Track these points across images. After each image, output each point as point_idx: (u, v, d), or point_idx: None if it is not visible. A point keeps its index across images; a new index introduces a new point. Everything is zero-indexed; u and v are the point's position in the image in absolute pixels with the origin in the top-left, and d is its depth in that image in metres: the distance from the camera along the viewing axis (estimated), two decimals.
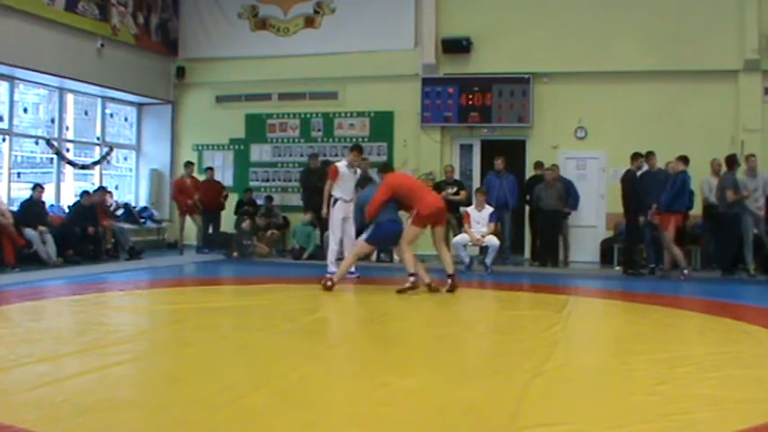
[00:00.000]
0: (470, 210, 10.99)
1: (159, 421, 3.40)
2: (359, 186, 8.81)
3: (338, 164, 9.37)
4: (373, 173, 12.87)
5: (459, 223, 11.51)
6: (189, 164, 13.67)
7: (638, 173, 10.70)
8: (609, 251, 12.09)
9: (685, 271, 10.20)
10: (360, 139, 14.05)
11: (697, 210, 11.21)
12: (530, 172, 12.92)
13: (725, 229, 10.47)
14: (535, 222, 12.17)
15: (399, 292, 7.83)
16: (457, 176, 12.79)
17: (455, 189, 12.06)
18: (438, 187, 12.28)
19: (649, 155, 10.65)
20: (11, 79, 12.03)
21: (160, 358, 4.94)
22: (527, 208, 12.38)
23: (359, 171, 9.23)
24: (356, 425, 3.40)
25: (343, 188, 9.08)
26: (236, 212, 13.76)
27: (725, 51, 12.18)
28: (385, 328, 6.34)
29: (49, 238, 10.71)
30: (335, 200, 9.11)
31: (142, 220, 14.35)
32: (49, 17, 11.85)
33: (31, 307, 7.05)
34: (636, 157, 10.76)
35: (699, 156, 10.76)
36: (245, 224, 12.74)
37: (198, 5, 14.97)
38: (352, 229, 9.10)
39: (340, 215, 9.02)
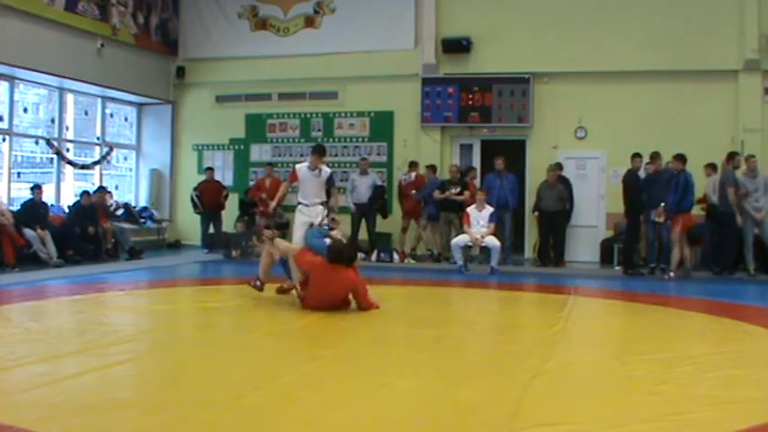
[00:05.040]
0: (471, 209, 10.98)
1: (159, 421, 3.40)
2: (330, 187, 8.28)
3: (298, 166, 8.41)
4: (372, 172, 13.00)
5: (461, 223, 11.50)
6: (270, 165, 13.76)
7: (641, 173, 10.68)
8: (609, 251, 12.08)
9: (671, 273, 10.21)
10: (360, 139, 14.10)
11: (699, 209, 11.19)
12: (530, 172, 12.95)
13: (725, 229, 10.46)
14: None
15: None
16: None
17: (458, 189, 12.04)
18: (442, 186, 12.28)
19: (655, 155, 10.63)
20: (11, 79, 12.02)
21: (160, 358, 4.94)
22: (526, 208, 12.36)
23: (323, 172, 8.15)
24: (356, 425, 3.41)
25: (304, 191, 8.17)
26: (239, 211, 13.74)
27: (725, 51, 12.17)
28: (385, 329, 6.34)
29: (48, 238, 10.70)
30: (298, 203, 8.22)
31: (142, 220, 14.35)
32: (49, 17, 11.84)
33: (31, 307, 7.05)
34: (637, 157, 10.73)
35: (699, 156, 10.76)
36: (239, 225, 12.74)
37: (198, 5, 14.97)
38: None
39: (302, 218, 8.03)
